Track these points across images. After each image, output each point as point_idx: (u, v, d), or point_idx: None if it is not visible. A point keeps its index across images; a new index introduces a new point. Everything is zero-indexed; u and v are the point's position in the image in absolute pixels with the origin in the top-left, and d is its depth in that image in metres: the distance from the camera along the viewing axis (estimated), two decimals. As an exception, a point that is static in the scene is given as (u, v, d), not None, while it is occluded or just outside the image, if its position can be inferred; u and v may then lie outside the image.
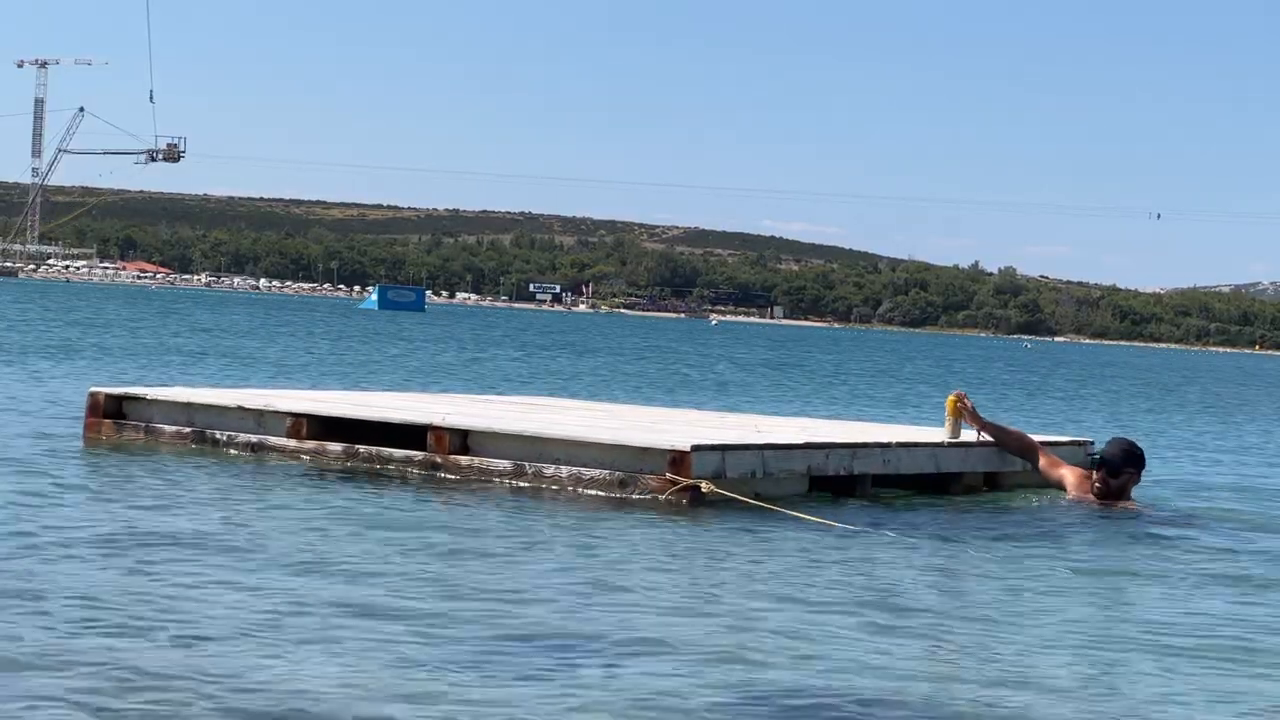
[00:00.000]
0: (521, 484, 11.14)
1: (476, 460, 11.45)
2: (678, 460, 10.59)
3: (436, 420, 11.77)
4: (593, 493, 10.84)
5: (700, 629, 6.82)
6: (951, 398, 12.28)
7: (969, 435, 12.25)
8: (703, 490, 10.47)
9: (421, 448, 11.66)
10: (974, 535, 10.20)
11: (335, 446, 12.04)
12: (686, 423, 13.23)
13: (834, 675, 6.12)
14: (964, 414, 12.18)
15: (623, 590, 7.62)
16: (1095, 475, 11.82)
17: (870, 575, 8.49)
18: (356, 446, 11.97)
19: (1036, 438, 12.85)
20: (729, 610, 7.30)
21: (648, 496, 10.63)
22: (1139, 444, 12.43)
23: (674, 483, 10.55)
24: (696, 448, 10.62)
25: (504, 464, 11.34)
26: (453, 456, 11.51)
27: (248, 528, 8.93)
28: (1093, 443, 13.30)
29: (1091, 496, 11.84)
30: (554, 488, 11.02)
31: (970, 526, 10.63)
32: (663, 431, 11.62)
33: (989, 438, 12.30)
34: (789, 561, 8.79)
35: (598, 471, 10.94)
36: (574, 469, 11.05)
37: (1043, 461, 12.24)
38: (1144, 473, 12.26)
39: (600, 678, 5.91)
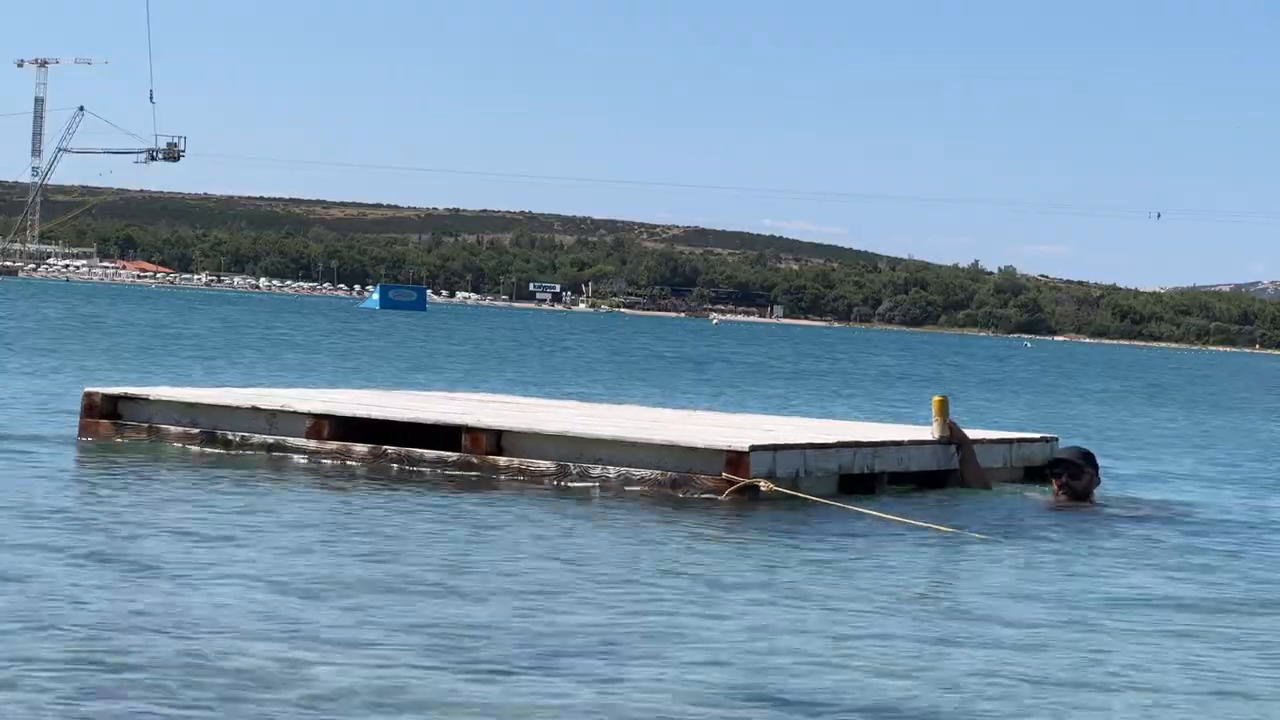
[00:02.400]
0: (567, 484, 10.91)
1: (516, 460, 11.18)
2: (735, 460, 10.51)
3: (470, 420, 11.45)
4: (643, 492, 10.67)
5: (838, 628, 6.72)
6: (938, 399, 12.36)
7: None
8: (762, 489, 10.41)
9: (453, 448, 11.30)
10: (1076, 539, 10.25)
11: (360, 447, 11.71)
12: (699, 422, 13.10)
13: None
14: (947, 421, 12.20)
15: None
16: (1058, 482, 11.95)
17: (984, 578, 8.47)
18: (384, 447, 11.61)
19: (1010, 435, 13.42)
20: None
21: (701, 496, 10.50)
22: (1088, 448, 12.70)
23: (731, 482, 10.44)
24: (755, 448, 10.56)
25: (546, 464, 11.08)
26: (490, 457, 11.21)
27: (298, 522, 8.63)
28: (1058, 439, 13.86)
29: (1062, 498, 11.96)
30: (601, 488, 10.81)
31: (1069, 530, 10.64)
32: (709, 432, 11.47)
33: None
34: (889, 560, 8.86)
35: (647, 472, 10.77)
36: (622, 469, 10.85)
37: None
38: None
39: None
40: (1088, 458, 12.17)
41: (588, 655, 6.02)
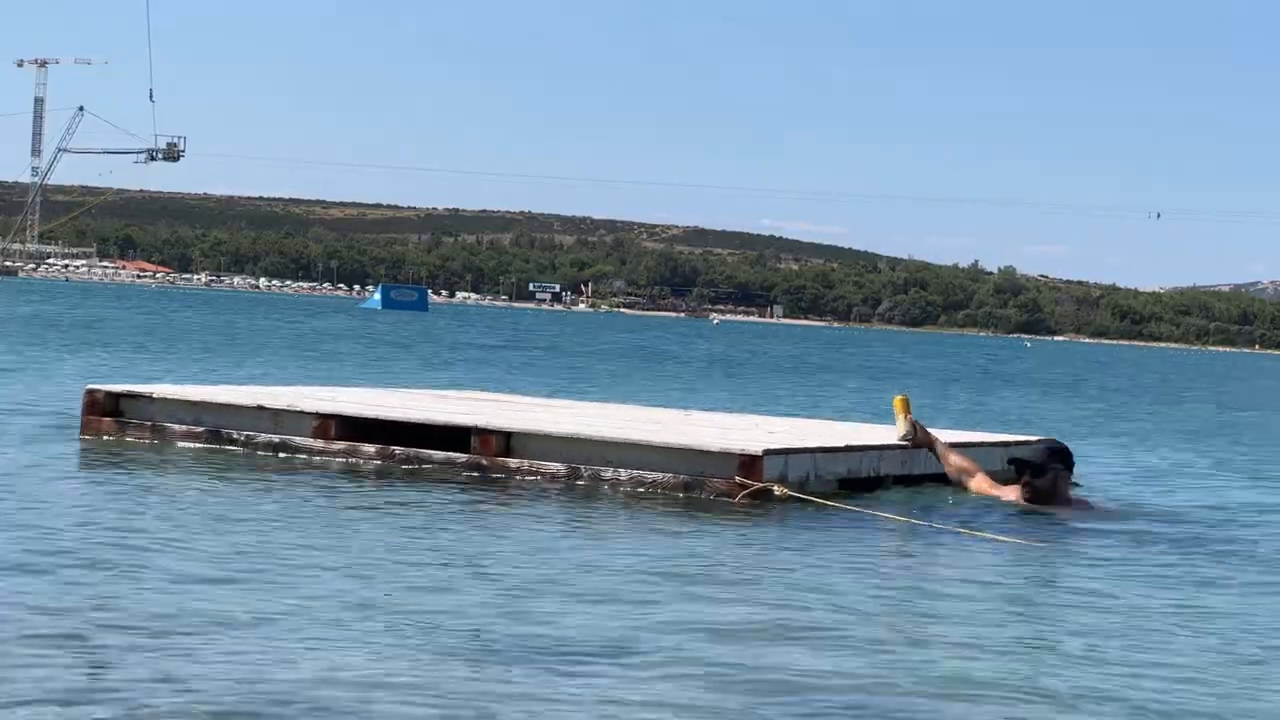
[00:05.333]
0: (578, 486, 10.84)
1: (526, 462, 11.12)
2: (748, 464, 10.48)
3: (480, 422, 11.39)
4: (654, 495, 10.61)
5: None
6: (898, 398, 11.88)
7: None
8: (776, 493, 10.41)
9: (463, 450, 11.25)
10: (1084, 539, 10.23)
11: (368, 448, 11.62)
12: (699, 423, 13.07)
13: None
14: (910, 422, 11.65)
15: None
16: (1021, 480, 11.16)
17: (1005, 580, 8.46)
18: (393, 448, 11.53)
19: (1005, 437, 13.17)
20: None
21: (713, 499, 10.46)
22: (1063, 442, 11.97)
23: (744, 486, 10.41)
24: (768, 451, 10.55)
25: (557, 467, 11.02)
26: (500, 459, 11.15)
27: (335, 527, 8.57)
28: (1054, 439, 13.18)
29: (1026, 495, 11.14)
30: (612, 490, 10.74)
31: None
32: (721, 435, 11.42)
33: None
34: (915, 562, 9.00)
35: (659, 474, 10.72)
36: (633, 472, 10.80)
37: (980, 482, 11.51)
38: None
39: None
40: (1052, 454, 11.37)
41: (604, 657, 5.97)
